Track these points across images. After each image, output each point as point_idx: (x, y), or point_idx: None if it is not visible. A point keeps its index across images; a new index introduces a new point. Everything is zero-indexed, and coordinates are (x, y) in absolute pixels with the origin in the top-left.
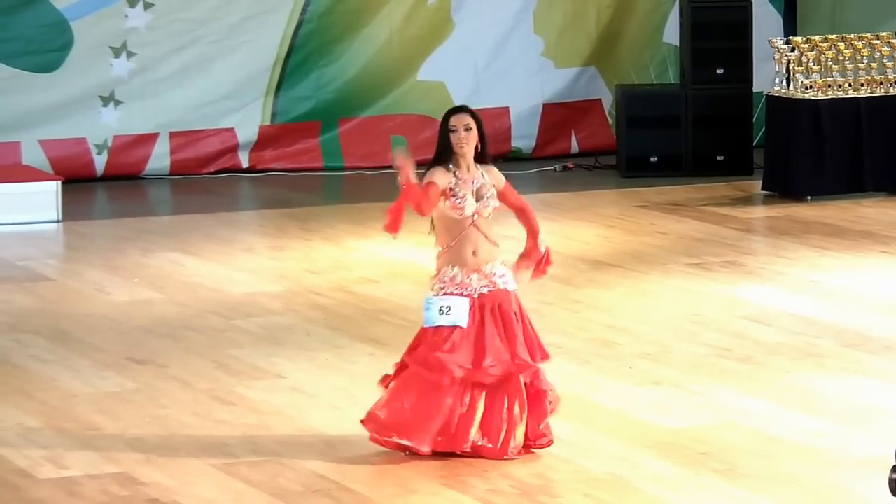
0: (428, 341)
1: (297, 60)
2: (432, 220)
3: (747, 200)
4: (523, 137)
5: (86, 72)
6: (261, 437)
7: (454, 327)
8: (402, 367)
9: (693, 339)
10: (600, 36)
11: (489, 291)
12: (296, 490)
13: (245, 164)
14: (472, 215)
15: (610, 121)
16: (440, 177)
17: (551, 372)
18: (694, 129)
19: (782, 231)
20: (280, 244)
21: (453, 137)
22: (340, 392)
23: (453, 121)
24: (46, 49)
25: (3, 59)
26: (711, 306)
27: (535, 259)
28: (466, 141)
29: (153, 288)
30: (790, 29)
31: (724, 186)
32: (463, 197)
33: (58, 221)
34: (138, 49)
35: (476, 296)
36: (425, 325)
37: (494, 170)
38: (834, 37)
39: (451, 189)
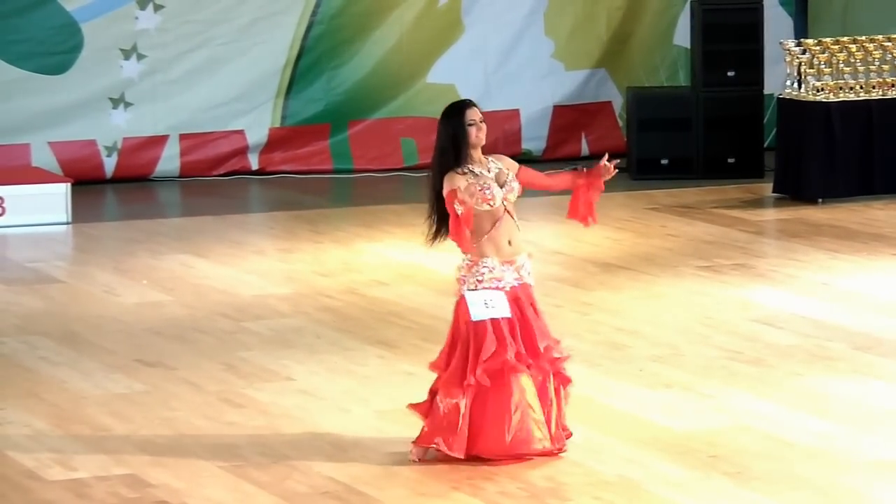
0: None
1: (307, 63)
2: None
3: (758, 203)
4: (533, 139)
5: (96, 74)
6: (270, 440)
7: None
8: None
9: (704, 341)
10: (611, 38)
11: (519, 284)
12: (304, 492)
13: (255, 167)
14: (502, 202)
15: (620, 123)
16: (461, 183)
17: None
18: (705, 132)
19: (793, 234)
20: (289, 246)
21: (473, 131)
22: (350, 394)
23: (471, 114)
24: (56, 51)
25: (13, 60)
26: (722, 309)
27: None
28: (484, 133)
29: (162, 290)
30: (801, 31)
31: (734, 189)
32: (489, 187)
33: (67, 223)
34: (148, 51)
35: (508, 289)
36: (475, 320)
37: (504, 157)
38: (845, 39)
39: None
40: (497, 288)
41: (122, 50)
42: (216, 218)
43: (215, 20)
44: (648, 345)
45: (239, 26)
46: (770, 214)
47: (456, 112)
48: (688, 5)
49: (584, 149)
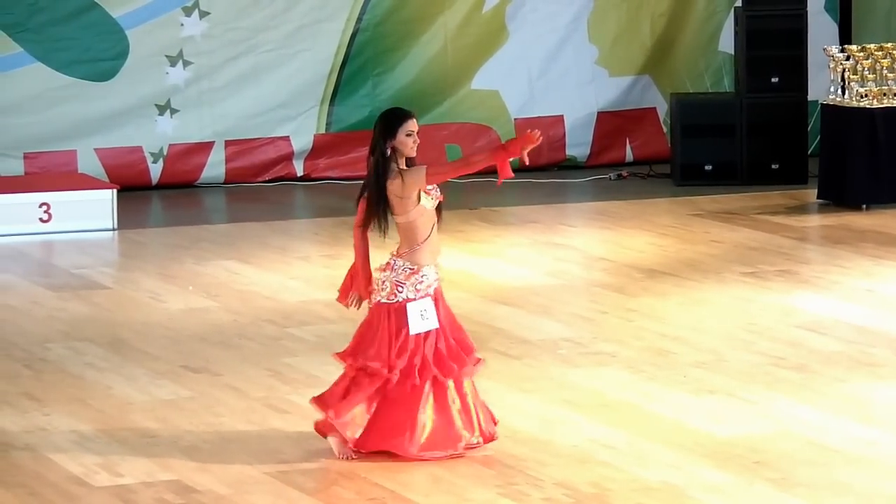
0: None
1: (352, 69)
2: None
3: (802, 209)
4: (578, 146)
5: (141, 80)
6: (315, 445)
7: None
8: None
9: (747, 347)
10: (655, 44)
11: (438, 284)
12: (350, 498)
13: (300, 173)
14: (433, 207)
15: (664, 129)
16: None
17: (605, 380)
18: (749, 138)
19: (837, 240)
20: (334, 252)
21: (411, 141)
22: None
23: (412, 125)
24: (102, 58)
25: (59, 67)
26: (766, 315)
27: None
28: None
29: (208, 296)
30: (845, 37)
31: (778, 195)
32: (433, 189)
33: (113, 230)
34: (194, 58)
35: (432, 291)
36: (413, 333)
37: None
38: (889, 45)
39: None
40: (426, 294)
41: (167, 56)
42: (261, 224)
43: (261, 27)
44: (692, 351)
45: (284, 33)
46: (814, 220)
47: (398, 119)
48: (732, 11)
49: (629, 155)
